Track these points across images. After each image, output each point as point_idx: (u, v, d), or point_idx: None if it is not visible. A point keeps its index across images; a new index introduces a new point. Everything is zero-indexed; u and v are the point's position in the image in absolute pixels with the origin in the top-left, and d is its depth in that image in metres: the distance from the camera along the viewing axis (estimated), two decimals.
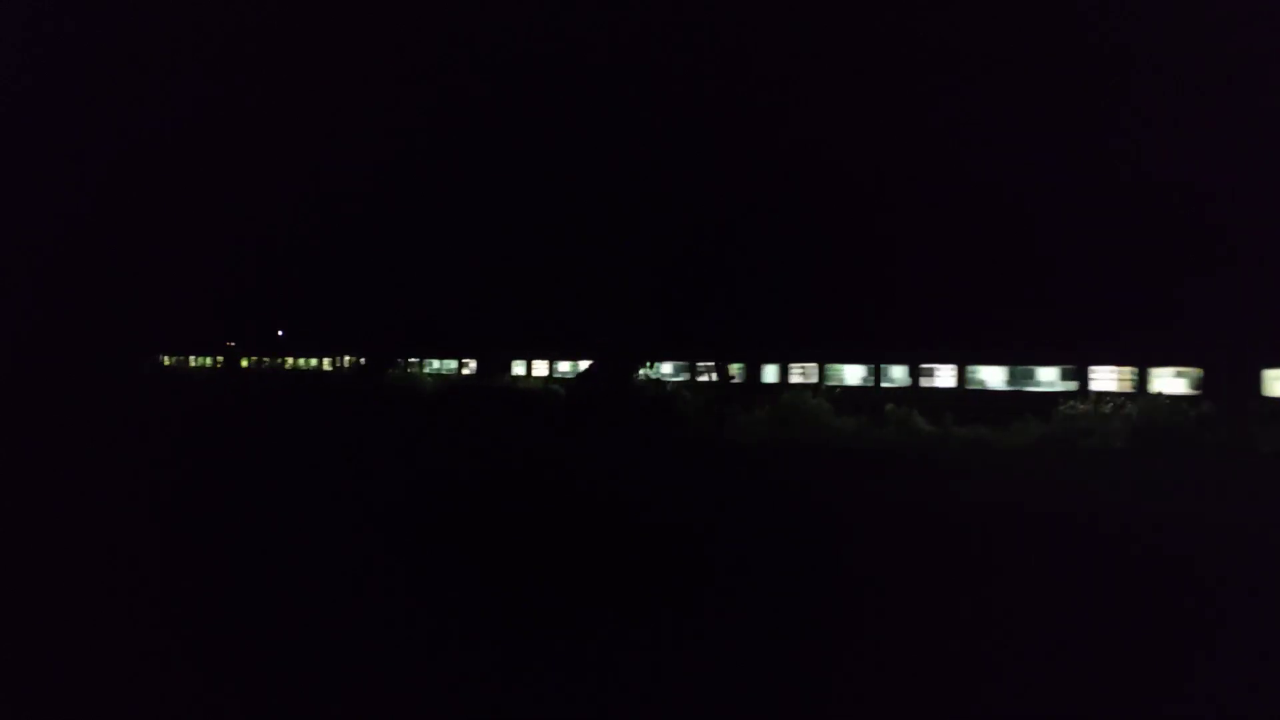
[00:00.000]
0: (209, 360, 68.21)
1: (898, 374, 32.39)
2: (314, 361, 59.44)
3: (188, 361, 69.31)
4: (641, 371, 37.19)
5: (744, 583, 9.68)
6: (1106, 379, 27.23)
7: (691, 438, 24.43)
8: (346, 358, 54.82)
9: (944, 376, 31.28)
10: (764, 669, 7.28)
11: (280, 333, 62.31)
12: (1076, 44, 38.89)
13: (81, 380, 36.54)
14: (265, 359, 62.13)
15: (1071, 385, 27.60)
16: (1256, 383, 24.62)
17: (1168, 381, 26.08)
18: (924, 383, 31.55)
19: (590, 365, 37.21)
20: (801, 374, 34.64)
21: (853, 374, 33.39)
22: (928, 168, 38.02)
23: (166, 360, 69.30)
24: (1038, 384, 28.94)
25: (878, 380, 32.57)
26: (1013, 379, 29.62)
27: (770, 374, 35.05)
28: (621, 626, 8.27)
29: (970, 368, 30.55)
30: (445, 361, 50.23)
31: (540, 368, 43.68)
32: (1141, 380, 26.47)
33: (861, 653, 7.64)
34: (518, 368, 44.39)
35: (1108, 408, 23.04)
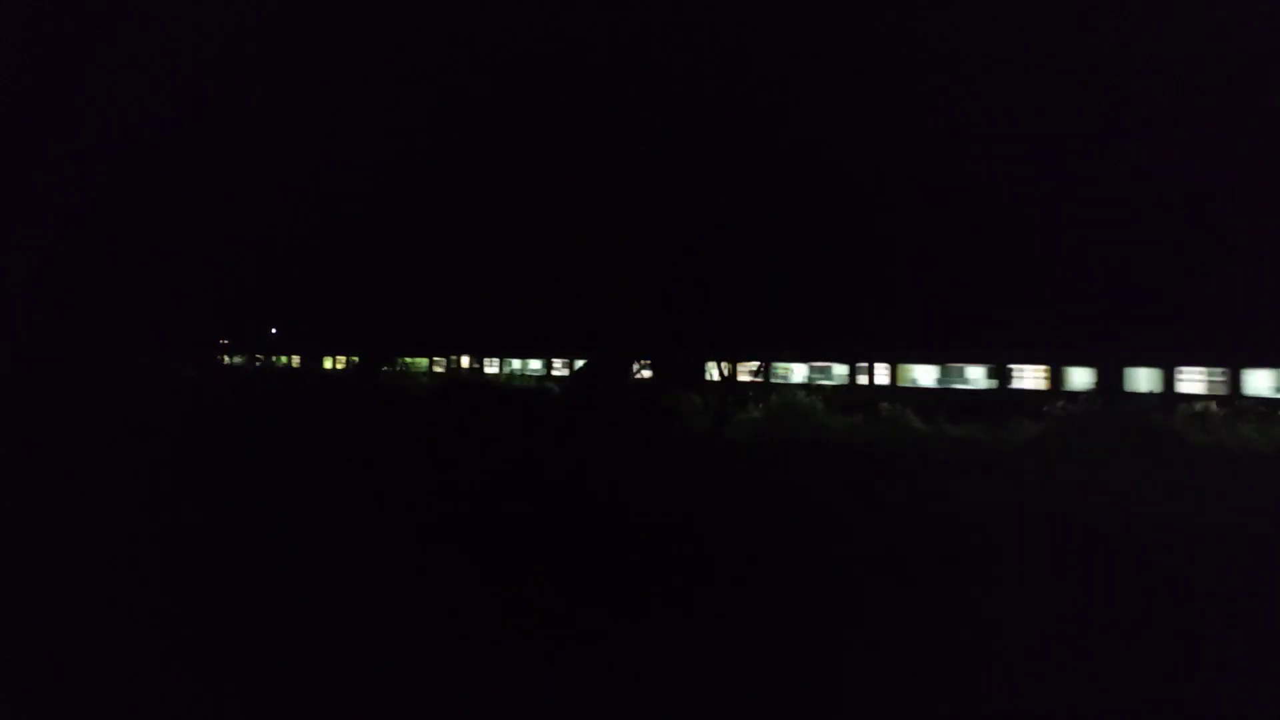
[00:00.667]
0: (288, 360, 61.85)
1: (891, 374, 32.47)
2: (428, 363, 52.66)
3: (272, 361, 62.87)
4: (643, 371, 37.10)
5: (740, 583, 9.77)
6: (1101, 379, 27.31)
7: (689, 437, 24.49)
8: (457, 358, 50.64)
9: (939, 376, 31.36)
10: (765, 669, 7.36)
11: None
12: (1075, 44, 38.92)
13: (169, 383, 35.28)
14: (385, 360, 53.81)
15: (1067, 385, 27.71)
16: (1251, 383, 24.72)
17: (1163, 381, 26.17)
18: (920, 383, 31.63)
19: (585, 365, 37.20)
20: (796, 374, 34.74)
21: (848, 374, 33.48)
22: (926, 168, 38.06)
23: (230, 359, 63.54)
24: (1035, 384, 29.02)
25: (871, 379, 32.66)
26: (1009, 379, 29.70)
27: (767, 374, 35.12)
28: (620, 625, 8.36)
29: (967, 368, 30.61)
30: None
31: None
32: (1137, 380, 26.55)
33: (860, 652, 7.74)
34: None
35: (1101, 407, 23.11)
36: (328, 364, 58.03)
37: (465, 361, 50.23)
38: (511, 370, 46.85)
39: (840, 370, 33.82)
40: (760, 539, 11.84)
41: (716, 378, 33.54)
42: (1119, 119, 36.11)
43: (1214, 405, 22.92)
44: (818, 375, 34.23)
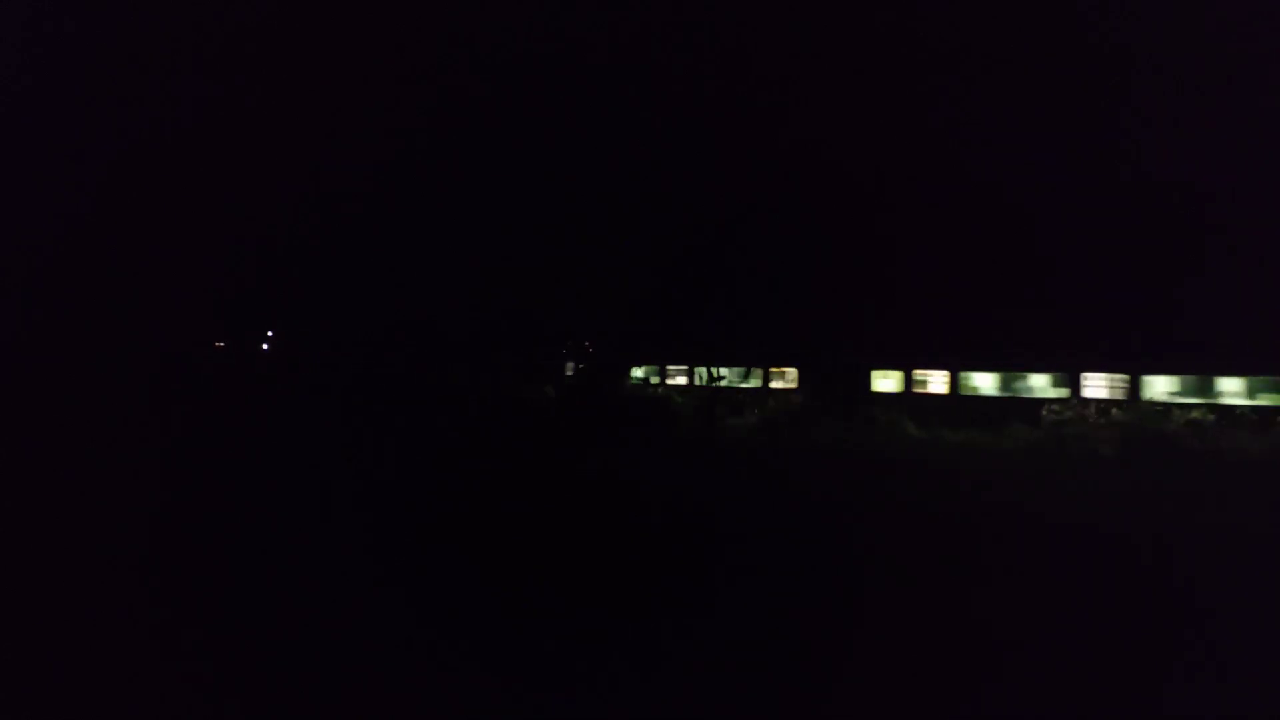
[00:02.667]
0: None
1: (886, 379, 32.49)
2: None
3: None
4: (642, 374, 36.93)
5: (739, 583, 9.88)
6: (1096, 385, 27.30)
7: (688, 440, 24.57)
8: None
9: (935, 382, 31.39)
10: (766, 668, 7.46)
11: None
12: (1069, 44, 38.93)
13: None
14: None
15: (1061, 391, 27.71)
16: (1243, 390, 24.75)
17: (1157, 388, 26.16)
18: (914, 388, 31.66)
19: (578, 368, 37.02)
20: (792, 378, 34.71)
21: (842, 378, 33.41)
22: (924, 169, 38.02)
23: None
24: (1028, 390, 29.03)
25: (868, 385, 32.65)
26: (1004, 384, 29.70)
27: (761, 378, 35.08)
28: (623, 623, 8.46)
29: (962, 373, 30.59)
30: None
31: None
32: (1130, 386, 26.54)
33: (859, 652, 7.83)
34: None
35: (1095, 413, 23.19)
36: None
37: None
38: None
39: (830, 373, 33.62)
40: (754, 539, 11.98)
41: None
42: (1118, 120, 36.14)
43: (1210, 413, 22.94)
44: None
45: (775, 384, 34.34)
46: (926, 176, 37.66)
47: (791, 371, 34.47)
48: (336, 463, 19.39)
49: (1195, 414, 22.59)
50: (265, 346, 63.95)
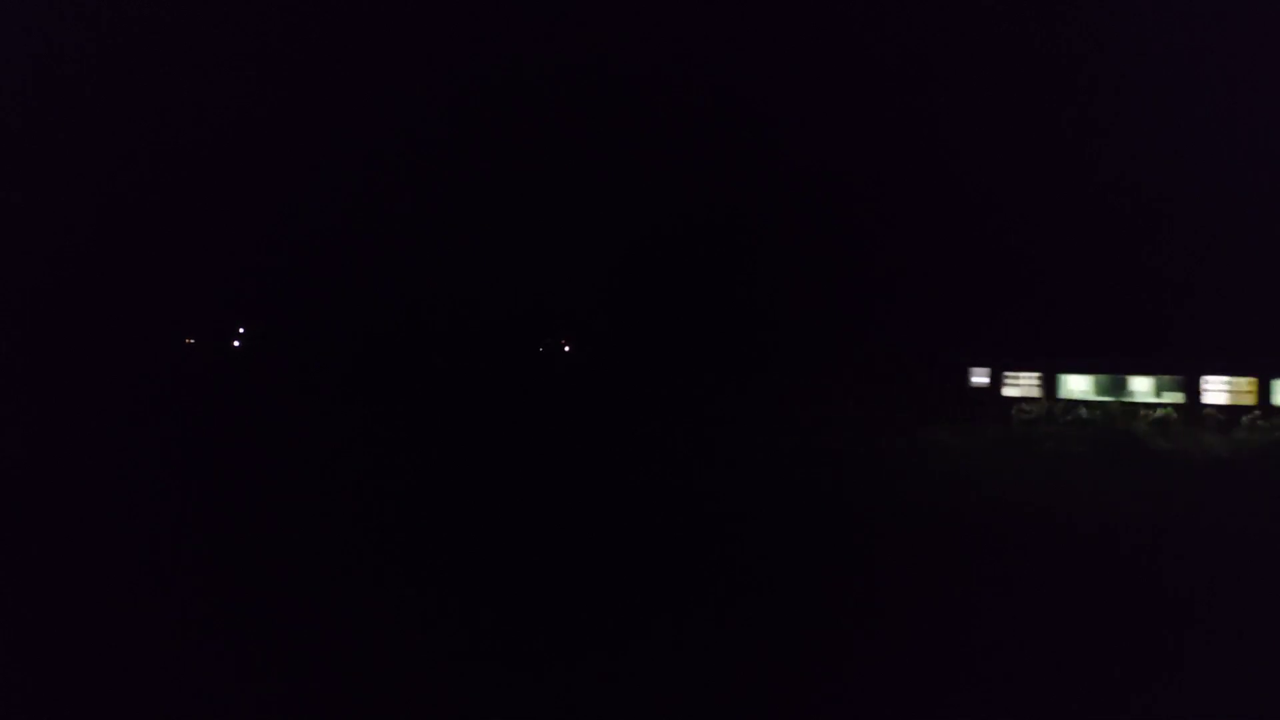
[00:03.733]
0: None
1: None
2: None
3: None
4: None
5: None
6: (1070, 385, 27.61)
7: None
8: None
9: (914, 379, 31.55)
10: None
11: None
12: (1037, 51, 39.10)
13: None
14: None
15: (1035, 390, 27.97)
16: (1212, 391, 25.07)
17: (1131, 387, 26.48)
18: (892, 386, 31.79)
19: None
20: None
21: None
22: (911, 175, 38.09)
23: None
24: (1007, 388, 29.25)
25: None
26: (983, 382, 29.86)
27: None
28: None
29: (943, 370, 30.72)
30: None
31: None
32: (1102, 386, 26.86)
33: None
34: None
35: (1065, 412, 23.48)
36: None
37: None
38: None
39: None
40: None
41: None
42: (1093, 126, 36.30)
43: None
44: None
45: None
46: (908, 182, 37.47)
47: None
48: (318, 460, 19.27)
49: (1161, 413, 22.77)
50: (237, 344, 63.02)
